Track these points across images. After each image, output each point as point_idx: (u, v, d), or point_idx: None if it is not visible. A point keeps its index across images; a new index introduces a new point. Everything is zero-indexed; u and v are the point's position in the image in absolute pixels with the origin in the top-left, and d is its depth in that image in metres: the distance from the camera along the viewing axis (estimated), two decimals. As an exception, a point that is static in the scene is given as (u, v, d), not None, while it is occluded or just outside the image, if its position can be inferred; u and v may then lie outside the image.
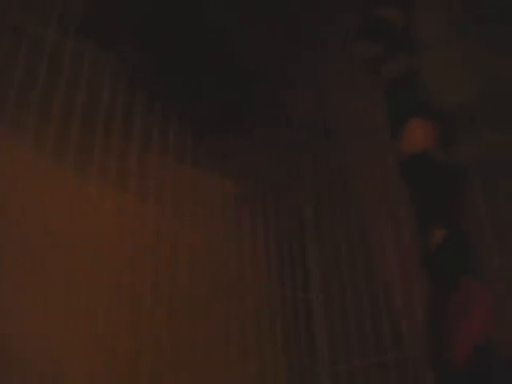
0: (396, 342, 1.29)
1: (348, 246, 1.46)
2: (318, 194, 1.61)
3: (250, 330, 1.36)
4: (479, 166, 1.24)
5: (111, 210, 1.29)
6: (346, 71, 1.43)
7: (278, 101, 1.50)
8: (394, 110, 1.23)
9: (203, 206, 1.39)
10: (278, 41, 1.50)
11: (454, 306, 1.03)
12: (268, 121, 1.52)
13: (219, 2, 1.47)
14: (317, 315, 1.47)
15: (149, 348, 1.17)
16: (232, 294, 1.37)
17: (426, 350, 1.08)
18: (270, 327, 1.41)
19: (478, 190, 1.17)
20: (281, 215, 1.55)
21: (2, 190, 1.12)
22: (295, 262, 1.53)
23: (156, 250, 1.28)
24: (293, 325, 1.44)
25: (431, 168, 1.16)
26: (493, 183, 1.21)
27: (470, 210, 1.14)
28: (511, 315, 1.08)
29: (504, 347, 1.05)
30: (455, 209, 1.14)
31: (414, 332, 1.25)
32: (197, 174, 1.43)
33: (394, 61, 1.25)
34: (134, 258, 1.25)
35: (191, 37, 1.47)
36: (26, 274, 1.09)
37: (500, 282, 1.09)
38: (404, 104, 1.22)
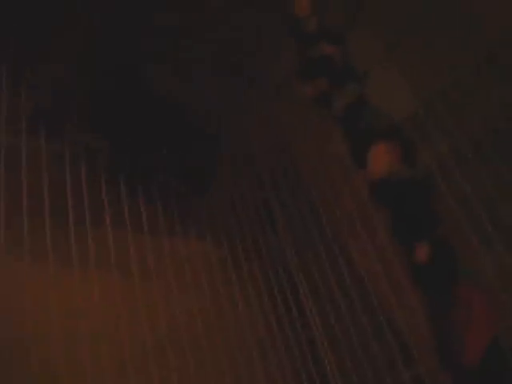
0: (407, 360, 1.29)
1: (338, 280, 1.47)
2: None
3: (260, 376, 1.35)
4: (443, 172, 1.28)
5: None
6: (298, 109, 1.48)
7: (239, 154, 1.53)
8: (355, 141, 1.26)
9: (190, 274, 1.39)
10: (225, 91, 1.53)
11: (456, 315, 1.05)
12: (233, 174, 1.54)
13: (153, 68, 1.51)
14: (323, 352, 1.47)
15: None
16: (236, 348, 1.36)
17: (438, 361, 1.09)
18: (279, 370, 1.40)
19: (450, 195, 1.20)
20: (265, 265, 1.56)
21: None
22: (289, 307, 1.53)
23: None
24: (301, 364, 1.43)
25: (401, 188, 1.18)
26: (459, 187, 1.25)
27: (446, 217, 1.17)
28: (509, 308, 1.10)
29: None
30: (432, 221, 1.16)
31: (422, 347, 1.26)
32: (175, 242, 1.44)
33: (342, 93, 1.29)
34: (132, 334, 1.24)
35: (139, 109, 1.50)
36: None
37: (494, 280, 1.11)
38: (363, 133, 1.25)
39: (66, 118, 1.46)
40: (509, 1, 1.25)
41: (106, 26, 1.50)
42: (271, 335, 1.42)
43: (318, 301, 1.53)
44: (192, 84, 1.54)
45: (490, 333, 1.02)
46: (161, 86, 1.51)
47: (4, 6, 1.44)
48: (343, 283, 1.44)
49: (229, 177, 1.52)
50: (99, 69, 1.49)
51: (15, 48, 1.42)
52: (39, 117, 1.42)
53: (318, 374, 1.42)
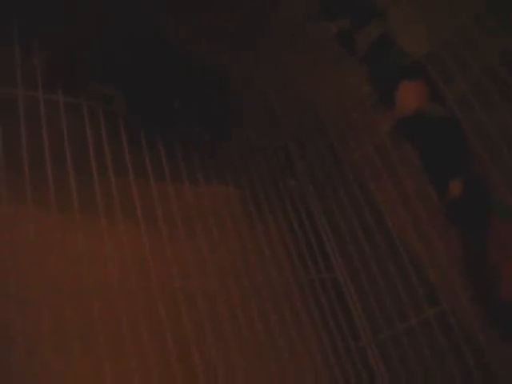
0: (431, 297, 1.32)
1: (358, 217, 1.48)
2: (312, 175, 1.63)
3: (290, 319, 1.38)
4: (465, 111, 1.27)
5: (119, 240, 1.30)
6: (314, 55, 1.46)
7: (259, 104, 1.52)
8: (381, 80, 1.25)
9: (214, 219, 1.40)
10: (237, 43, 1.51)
11: (491, 250, 1.06)
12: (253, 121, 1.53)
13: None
14: (347, 292, 1.50)
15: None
16: (264, 292, 1.38)
17: (472, 298, 1.12)
18: (307, 312, 1.43)
19: (473, 135, 1.20)
20: (286, 205, 1.57)
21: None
22: (311, 246, 1.55)
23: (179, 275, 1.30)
24: (327, 306, 1.46)
25: (431, 124, 1.17)
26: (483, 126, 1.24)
27: (474, 158, 1.17)
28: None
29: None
30: (464, 158, 1.16)
31: (445, 283, 1.29)
32: (198, 189, 1.44)
33: (365, 31, 1.26)
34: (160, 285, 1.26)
35: (153, 59, 1.48)
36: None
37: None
38: (389, 71, 1.23)
39: (80, 70, 1.45)
40: None
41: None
42: (297, 278, 1.44)
43: (340, 243, 1.55)
44: (204, 32, 1.52)
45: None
46: (174, 36, 1.49)
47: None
48: (366, 225, 1.45)
49: (247, 124, 1.52)
50: (112, 21, 1.46)
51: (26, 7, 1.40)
52: (54, 71, 1.41)
53: (344, 315, 1.46)
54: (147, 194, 1.38)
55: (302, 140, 1.61)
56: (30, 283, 1.17)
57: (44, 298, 1.14)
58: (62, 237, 1.23)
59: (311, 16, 1.38)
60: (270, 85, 1.58)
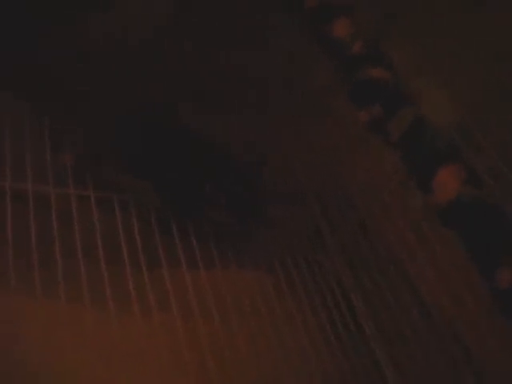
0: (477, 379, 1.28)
1: (395, 297, 1.45)
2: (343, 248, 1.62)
3: None
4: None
5: (154, 332, 1.29)
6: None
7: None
8: (415, 166, 1.24)
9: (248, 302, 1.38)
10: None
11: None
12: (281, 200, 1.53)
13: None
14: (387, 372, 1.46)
15: None
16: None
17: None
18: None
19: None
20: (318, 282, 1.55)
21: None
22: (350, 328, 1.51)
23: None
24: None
25: (473, 210, 1.15)
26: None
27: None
28: None
29: None
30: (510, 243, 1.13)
31: (493, 367, 1.24)
32: (230, 275, 1.44)
33: (397, 117, 1.27)
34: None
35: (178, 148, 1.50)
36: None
37: None
38: (423, 157, 1.23)
39: (106, 163, 1.48)
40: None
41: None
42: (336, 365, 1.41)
43: (375, 316, 1.51)
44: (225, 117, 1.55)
45: None
46: (195, 122, 1.52)
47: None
48: (401, 300, 1.42)
49: (276, 206, 1.52)
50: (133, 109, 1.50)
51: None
52: (82, 167, 1.44)
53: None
54: (180, 283, 1.38)
55: (332, 217, 1.60)
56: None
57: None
58: (95, 331, 1.23)
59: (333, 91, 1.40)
60: (299, 163, 1.59)
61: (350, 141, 1.49)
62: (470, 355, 1.27)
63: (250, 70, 1.64)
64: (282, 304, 1.41)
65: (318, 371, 1.35)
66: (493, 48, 1.35)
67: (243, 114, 1.60)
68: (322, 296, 1.52)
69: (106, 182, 1.44)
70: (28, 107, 1.48)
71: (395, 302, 1.45)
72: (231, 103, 1.60)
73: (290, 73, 1.67)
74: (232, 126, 1.53)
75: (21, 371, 1.12)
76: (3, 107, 1.48)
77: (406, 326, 1.37)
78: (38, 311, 1.23)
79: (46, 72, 1.51)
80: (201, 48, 1.61)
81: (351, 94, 1.33)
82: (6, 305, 1.21)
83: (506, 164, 1.28)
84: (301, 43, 1.57)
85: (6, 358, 1.12)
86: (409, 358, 1.40)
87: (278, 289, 1.45)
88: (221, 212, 1.44)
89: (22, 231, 1.32)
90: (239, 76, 1.59)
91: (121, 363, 1.21)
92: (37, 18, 1.56)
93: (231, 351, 1.28)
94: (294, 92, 1.66)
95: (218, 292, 1.38)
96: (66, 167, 1.42)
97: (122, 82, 1.51)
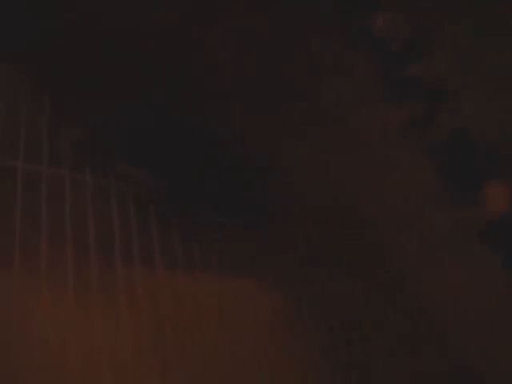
0: None
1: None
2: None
3: None
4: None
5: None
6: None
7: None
8: (463, 175, 1.16)
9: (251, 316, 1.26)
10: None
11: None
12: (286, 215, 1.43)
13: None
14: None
15: None
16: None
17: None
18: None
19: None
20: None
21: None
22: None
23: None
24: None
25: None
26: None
27: None
28: None
29: None
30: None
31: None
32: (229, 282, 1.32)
33: (440, 121, 1.20)
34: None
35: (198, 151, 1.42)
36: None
37: None
38: (473, 168, 1.16)
39: (109, 151, 1.37)
40: None
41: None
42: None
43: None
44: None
45: None
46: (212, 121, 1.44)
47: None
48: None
49: (282, 217, 1.41)
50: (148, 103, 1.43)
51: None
52: (82, 149, 1.33)
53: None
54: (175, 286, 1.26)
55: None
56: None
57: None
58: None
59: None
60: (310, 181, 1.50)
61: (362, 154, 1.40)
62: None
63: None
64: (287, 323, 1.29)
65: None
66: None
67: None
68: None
69: (105, 169, 1.33)
70: (28, 82, 1.38)
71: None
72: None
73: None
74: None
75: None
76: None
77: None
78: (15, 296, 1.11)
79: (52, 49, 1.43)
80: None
81: (392, 90, 1.25)
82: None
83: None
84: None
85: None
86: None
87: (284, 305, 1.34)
88: (224, 215, 1.34)
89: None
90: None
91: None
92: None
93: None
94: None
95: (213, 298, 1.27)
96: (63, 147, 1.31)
97: (129, 68, 1.44)
